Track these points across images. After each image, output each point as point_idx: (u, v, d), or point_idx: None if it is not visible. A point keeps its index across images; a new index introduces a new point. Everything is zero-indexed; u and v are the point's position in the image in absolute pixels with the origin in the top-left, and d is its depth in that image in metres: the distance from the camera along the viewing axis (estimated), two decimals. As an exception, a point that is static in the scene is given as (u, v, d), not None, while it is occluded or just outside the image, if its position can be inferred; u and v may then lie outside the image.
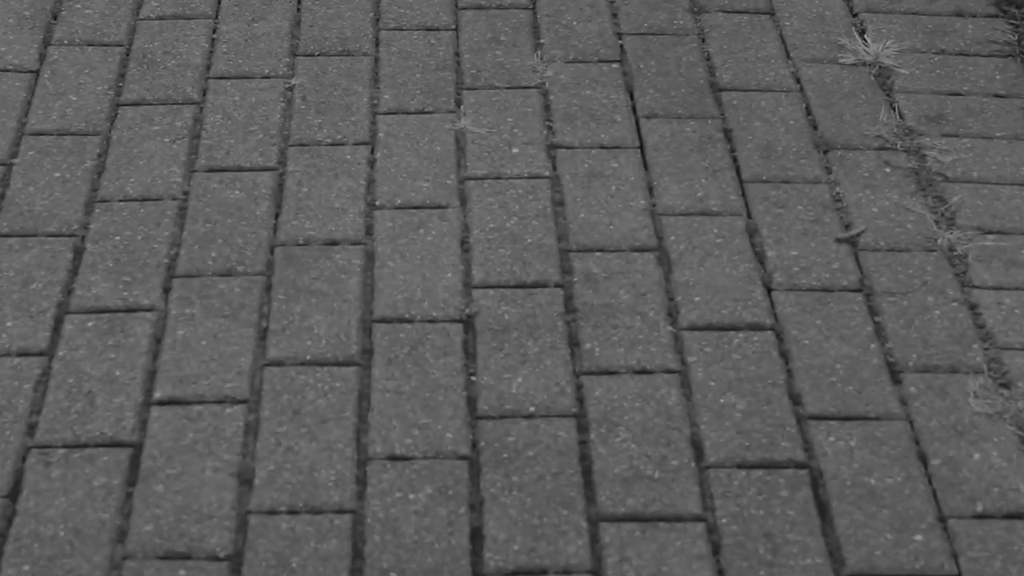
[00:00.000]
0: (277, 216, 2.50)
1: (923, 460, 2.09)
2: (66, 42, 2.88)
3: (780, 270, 2.40)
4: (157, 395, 2.17)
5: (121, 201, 2.52)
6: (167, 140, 2.65)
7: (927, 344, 2.27)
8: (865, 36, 2.93)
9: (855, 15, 3.01)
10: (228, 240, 2.44)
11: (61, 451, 2.08)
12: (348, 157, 2.62)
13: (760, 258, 2.43)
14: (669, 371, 2.22)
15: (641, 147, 2.65)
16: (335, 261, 2.40)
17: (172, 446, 2.09)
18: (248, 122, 2.69)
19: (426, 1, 3.01)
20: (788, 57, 2.88)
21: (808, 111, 2.75)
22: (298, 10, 2.99)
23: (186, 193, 2.54)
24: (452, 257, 2.41)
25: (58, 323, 2.29)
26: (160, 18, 2.95)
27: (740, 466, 2.08)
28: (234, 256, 2.41)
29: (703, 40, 2.92)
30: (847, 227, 2.49)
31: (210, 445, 2.09)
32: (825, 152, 2.65)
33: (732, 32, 2.94)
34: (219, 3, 3.00)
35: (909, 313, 2.32)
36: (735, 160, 2.63)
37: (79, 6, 2.98)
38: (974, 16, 3.01)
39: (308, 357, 2.23)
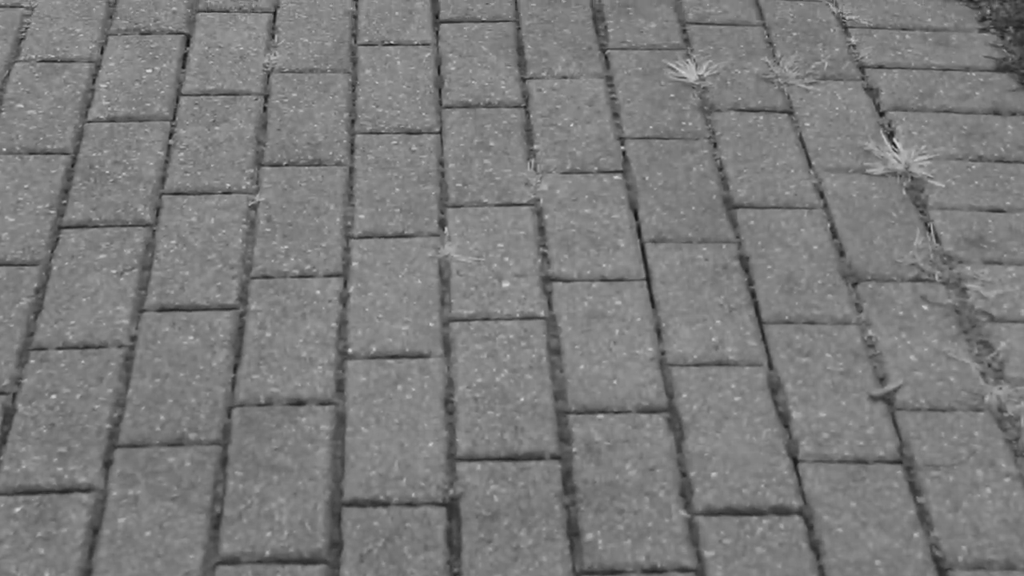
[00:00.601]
0: (236, 368, 2.20)
1: None
2: (5, 150, 2.58)
3: (807, 436, 2.11)
4: (91, 604, 1.88)
5: (60, 349, 2.22)
6: (114, 272, 2.35)
7: (978, 532, 1.98)
8: (894, 140, 2.64)
9: (882, 114, 2.71)
10: (179, 400, 2.14)
11: None
12: (318, 292, 2.32)
13: (784, 420, 2.14)
14: (683, 569, 1.92)
15: (647, 279, 2.36)
16: (301, 427, 2.11)
17: (107, 673, 1.80)
18: (206, 249, 2.39)
19: (407, 99, 2.71)
20: (810, 166, 2.59)
21: (834, 232, 2.45)
22: (264, 109, 2.69)
23: (133, 339, 2.24)
24: (434, 421, 2.12)
25: (-19, 507, 1.99)
26: (111, 120, 2.65)
27: None
28: (185, 420, 2.11)
29: (715, 145, 2.63)
30: (882, 380, 2.19)
31: (151, 673, 1.80)
32: (854, 285, 2.36)
33: (747, 135, 2.65)
34: (177, 102, 2.70)
35: (956, 492, 2.03)
36: (753, 295, 2.34)
37: (21, 106, 2.68)
38: (1013, 114, 2.71)
39: (267, 553, 1.94)
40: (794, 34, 2.89)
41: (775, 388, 2.18)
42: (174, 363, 2.20)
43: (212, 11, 2.92)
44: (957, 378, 2.20)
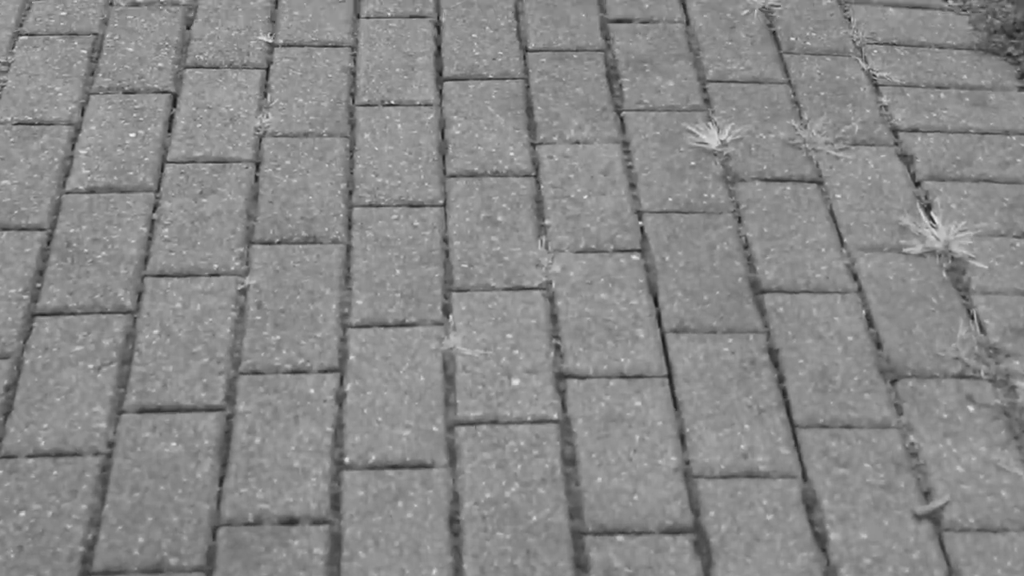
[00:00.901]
0: (222, 480, 2.02)
1: None
2: (-24, 226, 2.40)
3: (848, 562, 1.92)
4: None
5: (31, 458, 2.04)
6: (91, 366, 2.16)
7: (1038, 677, 1.80)
8: (932, 214, 2.45)
9: (918, 184, 2.53)
10: (159, 518, 1.96)
11: None
12: (312, 391, 2.14)
13: (821, 542, 1.95)
14: None
15: (669, 376, 2.18)
16: (292, 551, 1.92)
17: None
18: (191, 340, 2.21)
19: (408, 167, 2.53)
20: (842, 244, 2.40)
21: (869, 321, 2.27)
22: (256, 179, 2.51)
23: (111, 445, 2.06)
24: (438, 544, 1.93)
25: (-59, 645, 1.81)
26: (91, 191, 2.47)
27: None
28: (166, 543, 1.93)
29: (739, 220, 2.44)
30: (927, 495, 2.01)
31: None
32: (893, 382, 2.17)
33: (773, 208, 2.46)
34: (162, 170, 2.51)
35: (1012, 628, 1.85)
36: (784, 394, 2.15)
37: (-6, 175, 2.49)
38: (1059, 184, 2.53)
39: None
40: (822, 93, 2.71)
41: (810, 504, 2.00)
42: (155, 474, 2.02)
43: (200, 67, 2.73)
44: (1009, 492, 2.02)
